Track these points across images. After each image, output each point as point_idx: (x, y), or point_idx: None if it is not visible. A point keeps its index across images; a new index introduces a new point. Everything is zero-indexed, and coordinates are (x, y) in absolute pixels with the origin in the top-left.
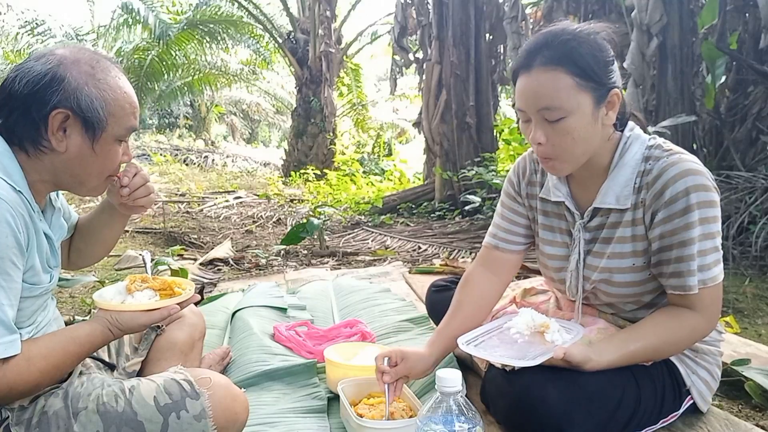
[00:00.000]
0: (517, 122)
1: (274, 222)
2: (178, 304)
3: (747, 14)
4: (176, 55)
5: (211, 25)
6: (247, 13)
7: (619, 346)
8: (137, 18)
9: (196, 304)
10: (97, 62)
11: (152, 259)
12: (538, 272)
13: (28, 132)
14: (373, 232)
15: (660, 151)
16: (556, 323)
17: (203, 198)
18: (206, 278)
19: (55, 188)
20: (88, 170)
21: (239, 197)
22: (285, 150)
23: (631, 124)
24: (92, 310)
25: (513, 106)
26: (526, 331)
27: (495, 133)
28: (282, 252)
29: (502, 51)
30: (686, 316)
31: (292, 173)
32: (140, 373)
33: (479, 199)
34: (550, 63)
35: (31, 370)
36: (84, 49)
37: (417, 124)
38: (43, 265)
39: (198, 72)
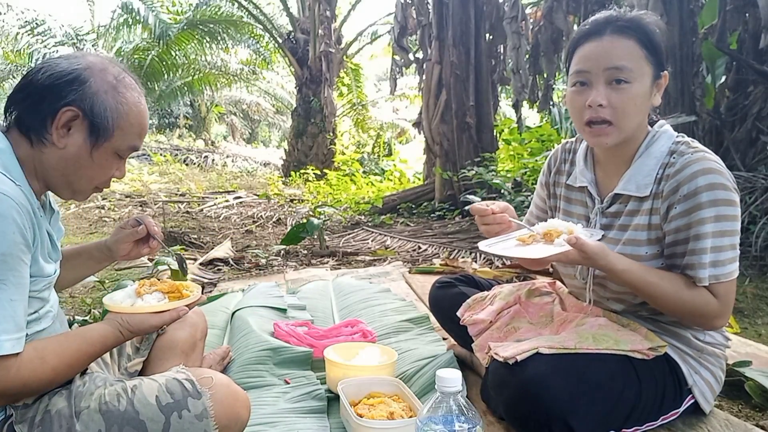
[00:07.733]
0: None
1: (274, 222)
2: (186, 305)
3: (747, 14)
4: (176, 55)
5: (211, 25)
6: (247, 13)
7: (637, 266)
8: (137, 18)
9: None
10: (123, 77)
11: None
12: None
13: (35, 121)
14: (373, 232)
15: (686, 147)
16: (576, 228)
17: (203, 198)
18: (206, 278)
19: (44, 188)
20: (79, 173)
21: (239, 197)
22: (285, 150)
23: (662, 121)
24: (92, 310)
25: (567, 73)
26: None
27: (495, 133)
28: (282, 252)
29: (502, 51)
30: (705, 291)
31: (292, 173)
32: (142, 373)
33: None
34: (623, 31)
35: (45, 367)
36: (115, 62)
37: (417, 124)
38: (45, 258)
39: (198, 72)
